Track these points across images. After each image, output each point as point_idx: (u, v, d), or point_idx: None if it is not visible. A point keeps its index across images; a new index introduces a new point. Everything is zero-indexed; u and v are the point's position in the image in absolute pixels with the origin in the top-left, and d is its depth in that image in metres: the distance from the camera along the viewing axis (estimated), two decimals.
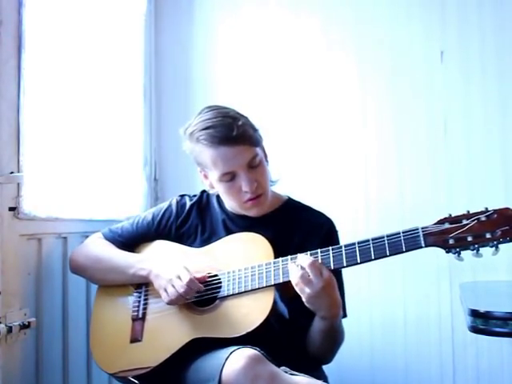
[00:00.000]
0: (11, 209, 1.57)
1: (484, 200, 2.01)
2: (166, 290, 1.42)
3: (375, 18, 2.20)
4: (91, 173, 2.05)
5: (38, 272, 1.69)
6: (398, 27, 2.17)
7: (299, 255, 1.34)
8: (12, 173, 1.56)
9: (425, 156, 2.13)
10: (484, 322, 1.20)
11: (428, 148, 2.12)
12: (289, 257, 1.37)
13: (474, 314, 1.22)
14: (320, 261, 1.32)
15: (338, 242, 1.54)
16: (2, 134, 1.54)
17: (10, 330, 1.51)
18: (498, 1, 2.06)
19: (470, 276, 1.92)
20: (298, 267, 1.30)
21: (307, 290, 1.28)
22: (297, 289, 1.30)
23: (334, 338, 1.42)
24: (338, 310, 1.35)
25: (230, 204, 1.54)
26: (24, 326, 1.56)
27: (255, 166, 1.46)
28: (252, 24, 2.34)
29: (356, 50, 2.22)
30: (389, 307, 2.13)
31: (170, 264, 1.46)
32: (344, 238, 1.56)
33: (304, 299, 1.30)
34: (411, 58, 2.15)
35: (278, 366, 1.23)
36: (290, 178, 1.65)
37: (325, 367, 1.52)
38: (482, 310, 1.22)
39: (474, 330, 1.22)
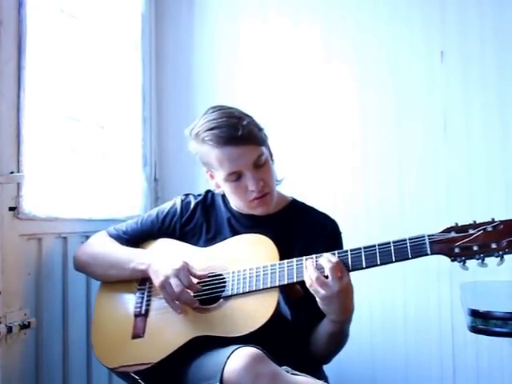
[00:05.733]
0: (11, 209, 1.56)
1: (484, 200, 2.05)
2: (165, 289, 1.42)
3: (375, 18, 2.20)
4: (91, 173, 2.05)
5: (38, 272, 1.68)
6: (397, 27, 2.17)
7: (325, 254, 1.33)
8: (12, 173, 1.56)
9: (425, 156, 2.13)
10: (484, 322, 1.21)
11: (428, 148, 2.13)
12: (294, 259, 1.38)
13: (474, 314, 1.22)
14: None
15: (341, 244, 1.55)
16: (2, 134, 1.54)
17: (10, 330, 1.51)
18: (498, 1, 2.06)
19: (470, 276, 1.91)
20: (315, 267, 1.30)
21: (322, 292, 1.28)
22: (310, 289, 1.30)
23: (339, 341, 1.43)
24: (349, 316, 1.35)
25: (237, 203, 1.55)
26: (24, 326, 1.56)
27: (261, 165, 1.47)
28: (253, 24, 2.34)
29: (356, 49, 2.22)
30: (389, 307, 2.13)
31: (169, 260, 1.45)
32: (344, 241, 1.56)
33: (318, 299, 1.30)
34: (411, 58, 2.15)
35: (280, 365, 1.23)
36: (289, 181, 1.65)
37: (325, 367, 1.52)
38: (482, 310, 1.22)
39: (474, 330, 1.22)
